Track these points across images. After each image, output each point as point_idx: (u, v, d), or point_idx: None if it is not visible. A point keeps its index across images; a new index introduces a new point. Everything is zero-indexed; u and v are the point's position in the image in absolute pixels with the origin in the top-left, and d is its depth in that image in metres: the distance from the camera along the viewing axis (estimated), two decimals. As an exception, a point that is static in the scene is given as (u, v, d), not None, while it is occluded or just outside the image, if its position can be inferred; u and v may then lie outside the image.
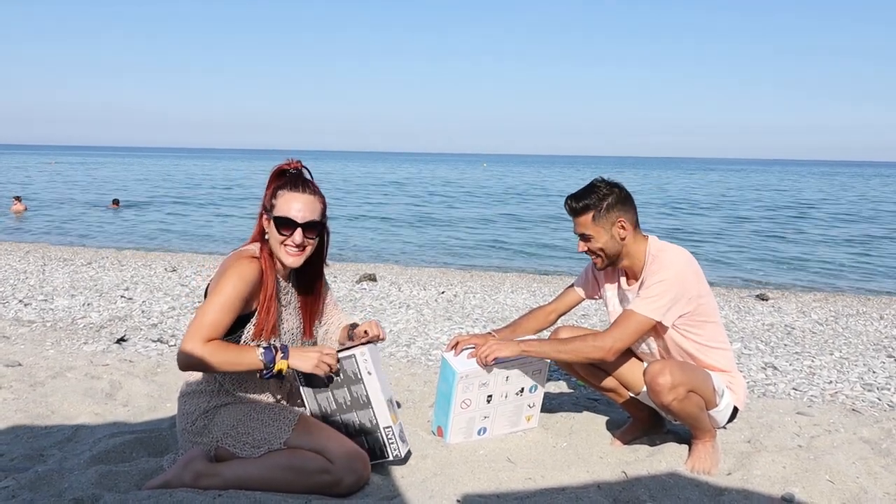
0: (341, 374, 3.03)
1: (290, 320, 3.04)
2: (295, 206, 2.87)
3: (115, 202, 24.82)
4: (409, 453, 3.30)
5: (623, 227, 3.28)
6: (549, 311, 3.73)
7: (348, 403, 3.07)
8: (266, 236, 2.93)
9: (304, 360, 2.86)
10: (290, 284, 3.09)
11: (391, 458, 3.13)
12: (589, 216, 3.27)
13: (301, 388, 3.07)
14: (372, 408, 3.06)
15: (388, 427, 3.09)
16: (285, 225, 2.87)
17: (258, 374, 2.81)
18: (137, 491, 2.76)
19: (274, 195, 2.90)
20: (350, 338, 3.20)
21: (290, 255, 2.90)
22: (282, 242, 2.88)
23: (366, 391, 3.04)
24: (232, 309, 2.76)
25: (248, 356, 2.76)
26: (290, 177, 2.94)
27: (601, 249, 3.29)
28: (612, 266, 3.39)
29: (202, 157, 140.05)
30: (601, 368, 3.54)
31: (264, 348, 2.79)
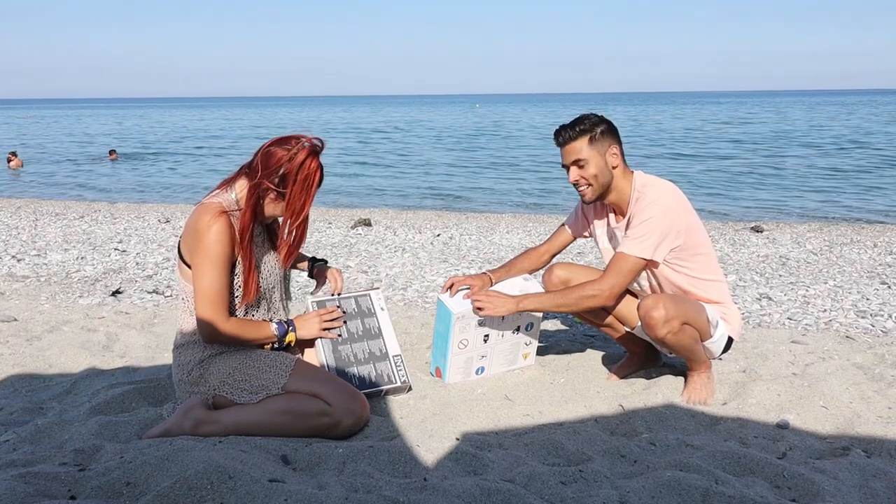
0: (355, 308, 3.37)
1: (269, 260, 3.02)
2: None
3: (113, 153, 24.63)
4: (410, 388, 3.41)
5: (615, 156, 3.26)
6: (542, 252, 3.72)
7: (360, 333, 3.33)
8: (262, 202, 2.86)
9: (309, 329, 3.12)
10: (258, 223, 3.05)
11: (399, 383, 3.30)
12: (585, 140, 3.23)
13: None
14: (383, 338, 3.37)
15: (397, 356, 3.37)
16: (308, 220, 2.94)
17: (269, 346, 3.00)
18: (138, 440, 2.77)
19: (296, 182, 2.82)
20: (312, 276, 3.41)
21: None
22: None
23: (378, 323, 3.39)
24: (225, 271, 2.80)
25: (265, 332, 2.95)
26: (321, 167, 2.87)
27: (594, 177, 3.25)
28: (600, 200, 3.35)
29: (176, 106, 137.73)
30: (596, 304, 3.55)
31: (277, 324, 2.98)
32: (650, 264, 3.24)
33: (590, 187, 3.28)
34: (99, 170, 21.51)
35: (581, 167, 3.26)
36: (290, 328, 3.03)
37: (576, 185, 3.31)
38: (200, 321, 2.80)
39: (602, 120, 3.29)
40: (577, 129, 3.24)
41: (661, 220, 3.16)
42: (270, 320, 3.01)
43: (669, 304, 3.13)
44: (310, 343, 3.24)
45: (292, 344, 3.07)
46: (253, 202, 2.83)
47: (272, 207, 2.86)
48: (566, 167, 3.32)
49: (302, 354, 3.22)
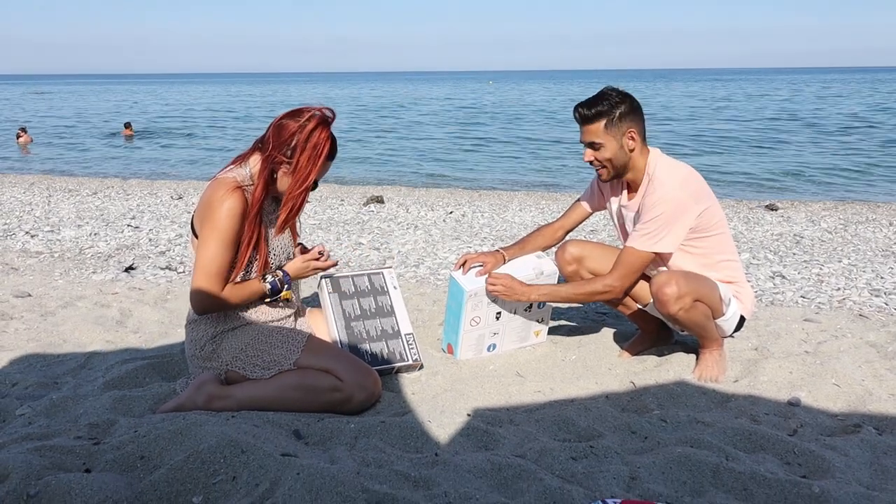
0: (368, 286, 3.45)
1: (281, 238, 3.01)
2: (325, 171, 2.89)
3: (128, 126, 24.57)
4: (421, 366, 3.43)
5: (632, 139, 3.20)
6: (556, 228, 3.70)
7: (373, 311, 3.39)
8: (275, 175, 2.85)
9: (298, 269, 3.03)
10: (271, 198, 3.05)
11: (410, 361, 3.33)
12: (601, 123, 3.18)
13: (328, 294, 3.32)
14: (395, 316, 3.43)
15: (409, 334, 3.41)
16: (311, 188, 2.88)
17: (265, 300, 2.97)
18: (151, 415, 2.80)
19: (308, 153, 2.80)
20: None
21: None
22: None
23: (391, 301, 3.46)
24: (231, 246, 2.78)
25: (258, 290, 2.91)
26: (333, 137, 2.86)
27: (609, 160, 3.21)
28: (617, 178, 3.32)
29: (183, 82, 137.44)
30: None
31: (269, 282, 2.93)
32: (659, 254, 3.24)
33: (604, 168, 3.26)
34: (114, 144, 21.57)
35: (596, 149, 3.22)
36: (286, 285, 2.97)
37: (591, 164, 3.29)
38: (196, 291, 2.78)
39: (623, 99, 3.20)
40: (594, 110, 3.17)
41: (670, 216, 3.13)
42: (263, 277, 2.93)
43: (682, 281, 3.12)
44: (321, 324, 3.26)
45: (290, 300, 3.05)
46: (266, 176, 2.82)
47: (285, 181, 2.85)
48: (584, 143, 3.28)
49: (307, 326, 3.22)
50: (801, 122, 25.80)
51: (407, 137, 23.29)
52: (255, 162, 2.87)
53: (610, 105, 3.17)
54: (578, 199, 3.71)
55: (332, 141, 2.85)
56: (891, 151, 17.15)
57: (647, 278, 3.49)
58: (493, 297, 3.49)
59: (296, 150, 2.78)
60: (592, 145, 3.21)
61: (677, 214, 3.14)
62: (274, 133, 2.82)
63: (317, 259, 3.05)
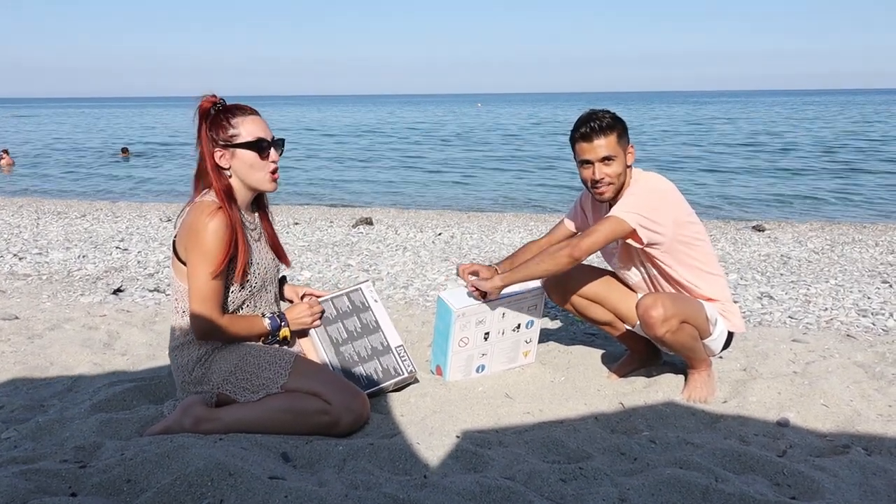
0: (349, 306, 3.36)
1: (264, 254, 3.01)
2: (260, 126, 2.86)
3: (125, 150, 24.80)
4: (417, 380, 3.47)
5: (631, 155, 3.23)
6: (542, 245, 3.69)
7: (359, 330, 3.33)
8: (229, 173, 2.86)
9: (300, 320, 3.11)
10: (256, 217, 3.06)
11: (405, 374, 3.32)
12: (615, 135, 3.15)
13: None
14: (382, 331, 3.37)
15: (399, 346, 3.37)
16: (263, 147, 2.84)
17: (262, 340, 3.00)
18: (138, 437, 2.78)
19: (225, 127, 2.81)
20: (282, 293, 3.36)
21: (274, 176, 2.92)
22: (263, 167, 2.86)
23: (375, 317, 3.38)
24: (221, 269, 2.77)
25: (258, 326, 2.95)
26: (230, 105, 2.88)
27: (618, 175, 3.18)
28: (614, 197, 3.24)
29: (158, 105, 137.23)
30: (597, 303, 3.55)
31: (269, 318, 2.98)
32: (634, 238, 3.14)
33: (611, 185, 3.20)
34: (111, 168, 21.50)
35: (608, 164, 3.16)
36: (283, 323, 3.02)
37: (597, 182, 3.20)
38: (195, 317, 2.79)
39: (617, 116, 3.23)
40: (606, 122, 3.14)
41: (646, 197, 3.13)
42: (263, 314, 2.99)
43: (668, 303, 3.12)
44: (304, 334, 3.26)
45: (287, 338, 3.05)
46: (224, 186, 2.84)
47: (242, 171, 2.85)
48: (587, 163, 3.20)
49: (296, 345, 3.22)
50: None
51: (399, 158, 23.37)
52: (208, 186, 2.87)
53: (615, 119, 3.19)
54: (563, 218, 3.72)
55: (217, 104, 2.86)
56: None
57: (635, 292, 3.50)
58: (482, 318, 3.49)
59: (218, 133, 2.82)
60: (607, 159, 3.16)
61: (654, 200, 3.14)
62: (201, 155, 2.87)
63: (319, 308, 3.18)
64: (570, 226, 3.68)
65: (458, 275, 3.55)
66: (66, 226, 9.70)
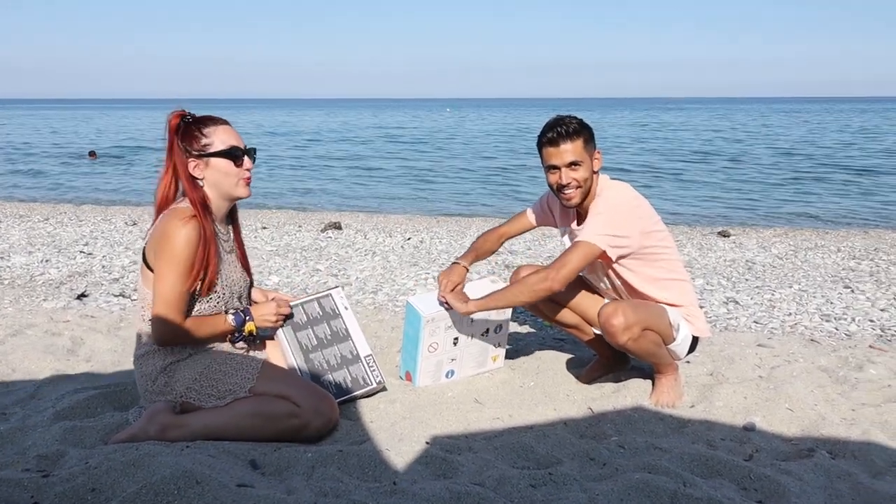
0: (319, 312, 3.32)
1: (234, 267, 2.99)
2: (232, 134, 2.87)
3: (92, 154, 24.59)
4: (385, 388, 3.44)
5: (598, 160, 3.25)
6: (500, 234, 3.74)
7: (329, 338, 3.31)
8: (201, 182, 2.85)
9: (265, 319, 3.05)
10: (230, 229, 3.05)
11: (374, 384, 3.32)
12: (581, 140, 3.17)
13: (281, 328, 3.21)
14: (352, 339, 3.36)
15: (369, 356, 3.37)
16: (237, 155, 2.84)
17: (228, 339, 2.97)
18: (103, 445, 2.74)
19: (198, 137, 2.81)
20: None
21: (247, 184, 2.92)
22: (238, 175, 2.86)
23: (345, 325, 3.36)
24: (189, 276, 2.75)
25: (221, 325, 2.91)
26: (201, 116, 2.89)
27: (585, 180, 3.19)
28: (580, 202, 3.27)
29: (126, 108, 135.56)
30: (565, 307, 3.56)
31: (233, 314, 2.93)
32: (603, 257, 3.17)
33: (578, 190, 3.21)
34: (77, 170, 21.12)
35: (575, 169, 3.18)
36: (248, 317, 2.97)
37: (564, 187, 3.21)
38: (156, 320, 2.75)
39: (585, 122, 3.25)
40: (573, 128, 3.15)
41: (614, 216, 3.14)
42: (226, 311, 2.95)
43: (629, 311, 3.14)
44: (271, 337, 3.23)
45: (253, 333, 3.01)
46: (200, 197, 2.83)
47: (217, 179, 2.85)
48: (554, 168, 3.21)
49: (263, 353, 3.19)
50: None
51: (368, 163, 23.30)
52: (184, 197, 2.86)
53: (581, 125, 3.20)
54: (526, 210, 3.73)
55: (187, 116, 2.87)
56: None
57: (602, 297, 3.52)
58: (450, 324, 3.49)
59: (191, 143, 2.81)
60: (574, 164, 3.17)
61: (622, 217, 3.15)
62: (167, 171, 2.87)
63: (286, 308, 3.14)
64: (531, 218, 3.69)
65: (437, 280, 3.54)
66: (28, 229, 9.53)
